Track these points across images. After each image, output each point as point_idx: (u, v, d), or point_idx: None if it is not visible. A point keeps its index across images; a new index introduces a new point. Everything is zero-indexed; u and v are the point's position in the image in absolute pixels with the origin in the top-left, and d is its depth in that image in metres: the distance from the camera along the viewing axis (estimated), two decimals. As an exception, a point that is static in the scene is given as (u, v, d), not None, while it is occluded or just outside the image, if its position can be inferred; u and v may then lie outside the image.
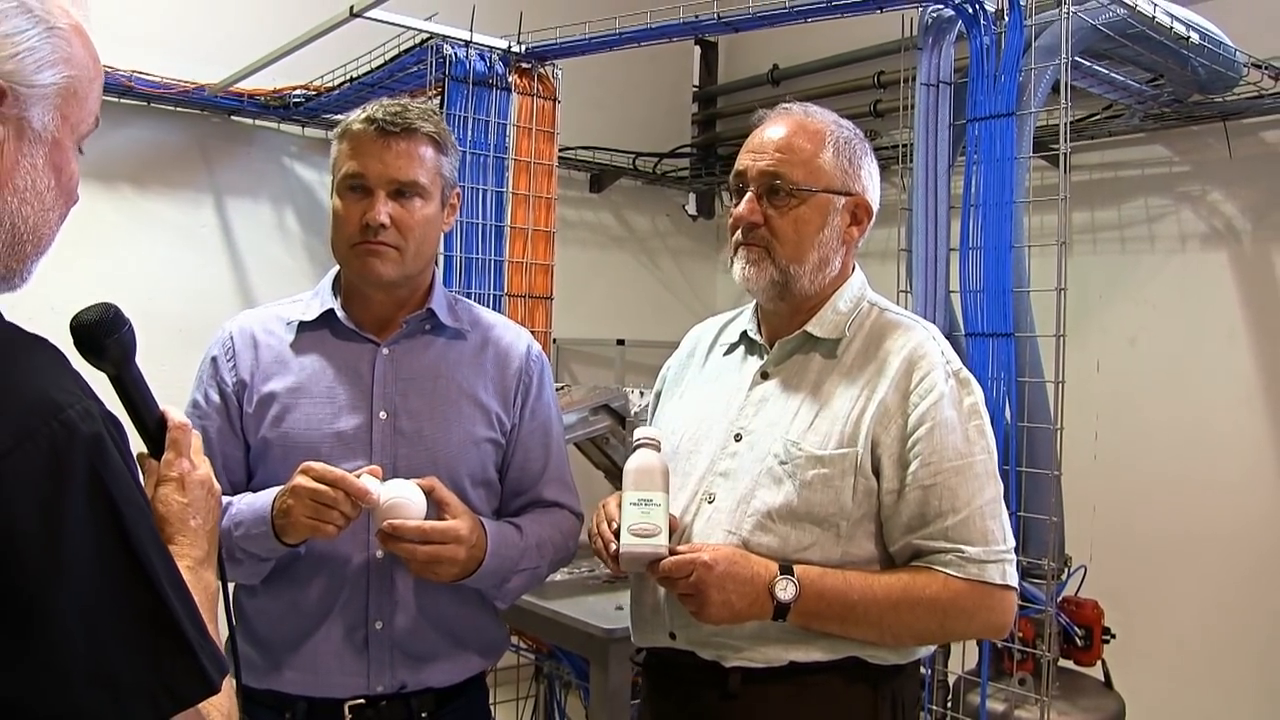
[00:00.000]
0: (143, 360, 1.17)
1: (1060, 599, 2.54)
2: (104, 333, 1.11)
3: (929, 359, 1.64)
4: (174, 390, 1.21)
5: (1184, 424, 3.47)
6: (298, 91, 3.58)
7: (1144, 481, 3.51)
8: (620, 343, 4.41)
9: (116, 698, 0.87)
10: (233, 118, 3.71)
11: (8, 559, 0.84)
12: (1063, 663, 2.56)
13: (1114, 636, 2.62)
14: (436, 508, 1.70)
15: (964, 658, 2.60)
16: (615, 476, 3.12)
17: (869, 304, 1.76)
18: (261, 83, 3.53)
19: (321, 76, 3.49)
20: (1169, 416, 3.50)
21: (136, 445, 1.06)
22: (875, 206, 1.76)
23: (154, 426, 1.18)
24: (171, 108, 3.55)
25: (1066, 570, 2.57)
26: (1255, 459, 3.34)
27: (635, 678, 2.69)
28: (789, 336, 1.74)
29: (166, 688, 0.90)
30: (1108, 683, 2.65)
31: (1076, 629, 2.58)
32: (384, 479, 1.67)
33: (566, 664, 2.93)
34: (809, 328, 1.72)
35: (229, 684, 1.00)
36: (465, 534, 1.69)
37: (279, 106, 3.63)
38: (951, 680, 2.64)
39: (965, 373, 1.69)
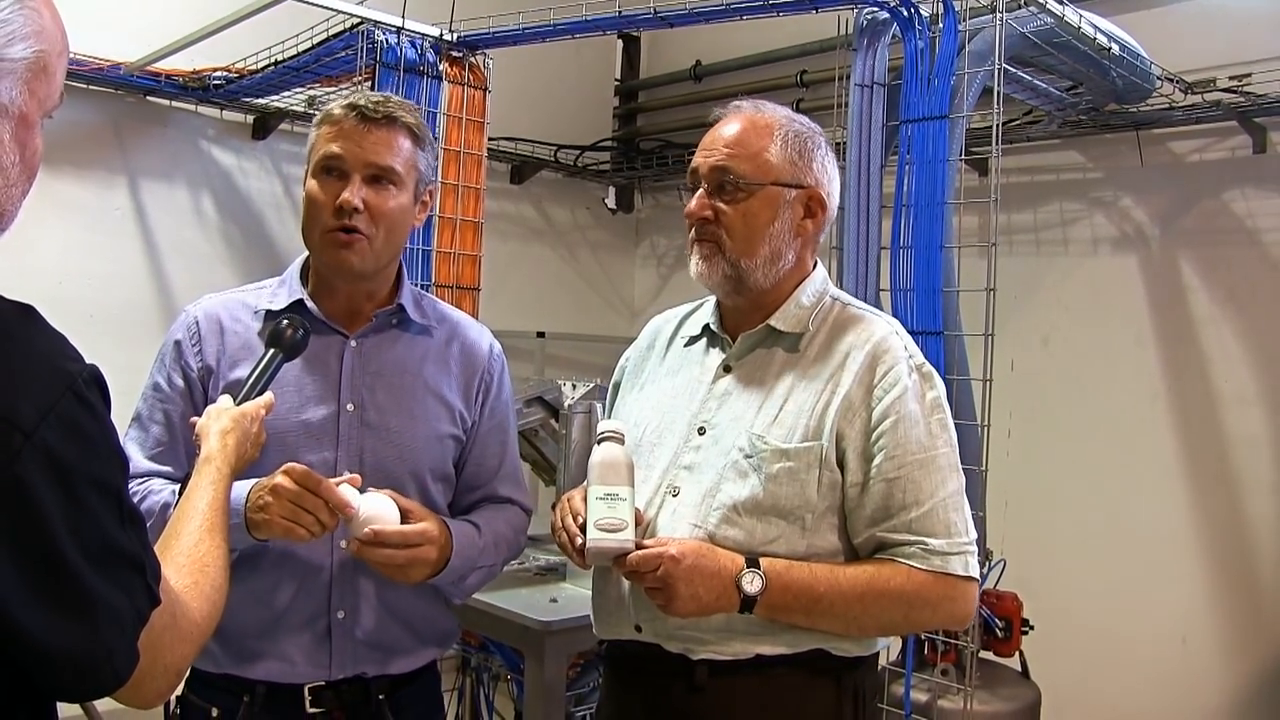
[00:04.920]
0: None
1: (982, 591, 2.60)
2: (302, 345, 1.68)
3: (893, 353, 1.66)
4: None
5: (1093, 421, 3.59)
6: (218, 73, 3.49)
7: (1054, 477, 3.61)
8: (540, 335, 4.41)
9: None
10: (149, 98, 3.61)
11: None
12: (982, 653, 2.63)
13: (1032, 628, 2.70)
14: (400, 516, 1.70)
15: (888, 649, 2.65)
16: (544, 469, 3.11)
17: (831, 299, 1.77)
18: (180, 63, 3.43)
19: (244, 59, 3.40)
20: (1079, 414, 3.62)
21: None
22: (833, 199, 1.76)
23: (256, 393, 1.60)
24: (85, 85, 3.44)
25: (989, 564, 2.64)
26: (1160, 455, 3.47)
27: (569, 670, 2.69)
28: (752, 330, 1.74)
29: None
30: (1025, 672, 2.73)
31: (997, 621, 2.65)
32: (352, 472, 1.68)
33: (499, 656, 2.91)
34: (772, 322, 1.72)
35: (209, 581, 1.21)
36: (436, 535, 1.71)
37: (198, 88, 3.54)
38: (876, 671, 2.69)
39: (928, 367, 1.71)
